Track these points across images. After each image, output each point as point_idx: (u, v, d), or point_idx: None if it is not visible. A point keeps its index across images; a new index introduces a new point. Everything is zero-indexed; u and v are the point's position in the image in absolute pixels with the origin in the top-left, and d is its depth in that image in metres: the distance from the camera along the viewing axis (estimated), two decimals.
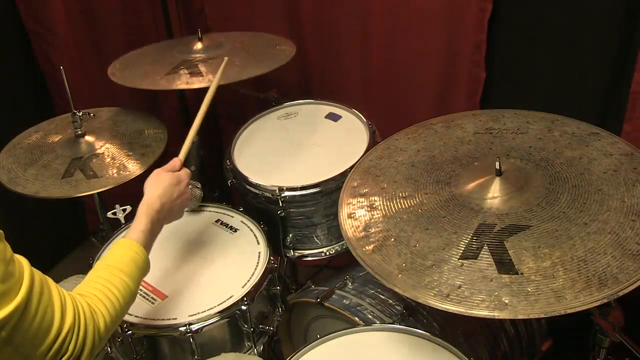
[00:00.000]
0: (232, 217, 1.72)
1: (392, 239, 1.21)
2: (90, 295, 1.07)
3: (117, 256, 1.18)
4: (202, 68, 1.82)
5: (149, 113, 1.93)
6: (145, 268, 1.21)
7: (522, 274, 1.08)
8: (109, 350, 1.54)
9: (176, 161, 1.42)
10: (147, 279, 1.52)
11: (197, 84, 1.74)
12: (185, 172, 1.41)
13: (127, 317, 1.43)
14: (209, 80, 1.74)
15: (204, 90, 1.55)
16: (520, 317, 1.02)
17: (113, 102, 2.00)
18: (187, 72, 1.80)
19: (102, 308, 1.07)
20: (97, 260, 1.53)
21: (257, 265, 1.54)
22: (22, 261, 0.94)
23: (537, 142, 1.39)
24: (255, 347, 1.53)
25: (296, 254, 1.77)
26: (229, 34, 2.08)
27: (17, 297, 0.88)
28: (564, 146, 1.36)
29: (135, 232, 1.23)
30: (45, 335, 0.94)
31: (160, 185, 1.32)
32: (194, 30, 2.08)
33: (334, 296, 1.59)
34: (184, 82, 1.76)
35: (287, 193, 1.65)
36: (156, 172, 1.37)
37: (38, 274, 0.95)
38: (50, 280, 0.98)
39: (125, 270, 1.15)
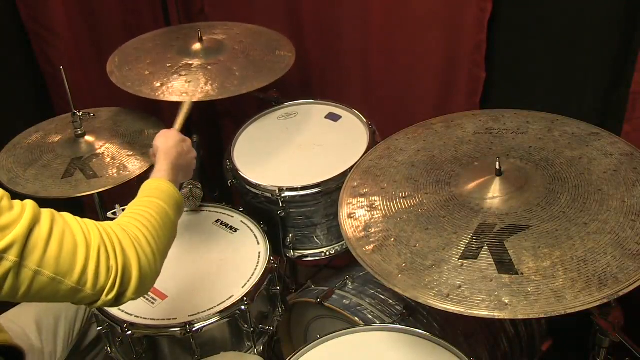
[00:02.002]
0: (232, 217, 1.72)
1: (392, 239, 1.21)
2: (118, 220, 1.06)
3: (144, 191, 1.16)
4: (200, 77, 1.81)
5: (149, 113, 1.93)
6: (177, 198, 1.18)
7: (522, 274, 1.08)
8: (109, 350, 1.54)
9: (173, 129, 1.44)
10: None
11: (198, 95, 1.74)
12: (183, 136, 1.41)
13: (127, 317, 1.43)
14: (207, 92, 1.74)
15: None
16: (520, 317, 1.02)
17: (113, 102, 2.00)
18: (184, 79, 1.80)
19: (134, 223, 1.04)
20: None
21: (257, 265, 1.54)
22: (27, 200, 0.95)
23: (537, 142, 1.39)
24: (255, 347, 1.53)
25: (296, 254, 1.77)
26: (229, 30, 2.07)
27: (17, 227, 0.89)
28: (564, 146, 1.36)
29: (158, 173, 1.23)
30: (73, 256, 0.93)
31: (171, 138, 1.34)
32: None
33: (334, 296, 1.59)
34: (181, 92, 1.76)
35: (287, 193, 1.65)
36: (164, 131, 1.39)
37: (49, 210, 0.96)
38: (66, 213, 0.98)
39: (154, 195, 1.14)
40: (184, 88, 1.76)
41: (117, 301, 0.99)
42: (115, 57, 1.96)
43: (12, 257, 0.88)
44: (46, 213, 0.95)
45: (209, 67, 1.84)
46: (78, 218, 0.99)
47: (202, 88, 1.76)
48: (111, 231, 1.00)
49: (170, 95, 1.75)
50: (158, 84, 1.79)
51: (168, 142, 1.33)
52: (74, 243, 0.94)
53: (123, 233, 1.01)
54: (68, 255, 0.93)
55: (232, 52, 1.93)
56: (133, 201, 1.14)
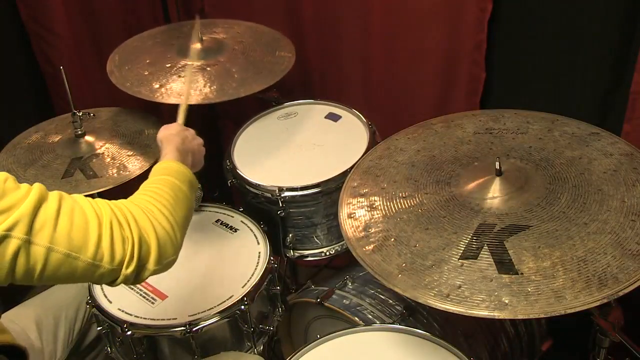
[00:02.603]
0: (232, 217, 1.72)
1: (392, 239, 1.21)
2: (135, 197, 1.05)
3: (154, 172, 1.15)
4: (199, 79, 1.80)
5: (149, 113, 1.93)
6: (191, 177, 1.16)
7: (522, 274, 1.08)
8: (109, 350, 1.54)
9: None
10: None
11: (195, 98, 1.73)
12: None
13: (127, 317, 1.43)
14: (205, 95, 1.74)
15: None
16: (520, 317, 1.03)
17: (113, 102, 2.00)
18: (184, 81, 1.79)
19: (145, 198, 1.03)
20: None
21: (257, 265, 1.55)
22: (36, 184, 0.94)
23: (537, 142, 1.39)
24: (255, 347, 1.53)
25: (296, 254, 1.77)
26: (229, 28, 2.06)
27: (22, 206, 0.88)
28: (564, 146, 1.36)
29: (167, 156, 1.20)
30: (85, 230, 0.92)
31: (172, 127, 1.32)
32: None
33: (334, 296, 1.59)
34: (179, 94, 1.76)
35: (287, 193, 1.65)
36: (165, 125, 1.35)
37: (57, 191, 0.95)
38: (75, 194, 0.97)
39: (167, 174, 1.12)
40: (182, 90, 1.76)
41: (139, 275, 0.97)
42: (116, 55, 1.96)
43: (19, 234, 0.87)
44: (54, 193, 0.94)
45: (207, 69, 1.84)
46: (88, 198, 0.98)
47: (201, 90, 1.76)
48: (122, 206, 0.99)
49: (169, 97, 1.75)
50: (157, 85, 1.79)
51: (169, 131, 1.30)
52: (85, 218, 0.93)
53: (134, 206, 1.00)
54: (80, 230, 0.92)
55: (232, 52, 1.93)
56: (143, 183, 1.13)
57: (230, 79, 1.80)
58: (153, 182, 1.11)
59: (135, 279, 0.98)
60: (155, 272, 0.99)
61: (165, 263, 1.00)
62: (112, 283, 0.98)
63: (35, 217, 0.89)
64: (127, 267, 0.95)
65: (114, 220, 0.95)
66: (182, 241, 1.06)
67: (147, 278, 0.99)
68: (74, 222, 0.92)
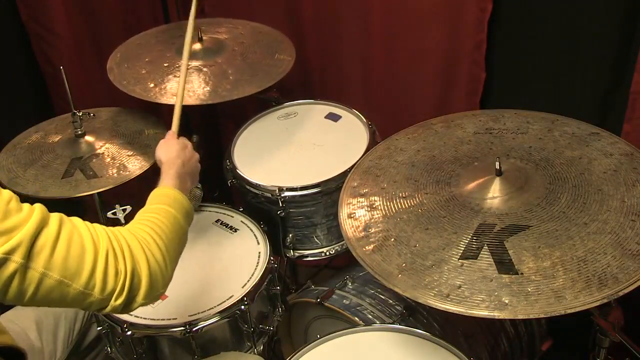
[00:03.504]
0: (232, 217, 1.72)
1: (392, 239, 1.21)
2: (127, 226, 1.05)
3: (152, 199, 1.15)
4: (194, 80, 1.80)
5: (149, 113, 1.93)
6: (188, 207, 1.17)
7: (522, 274, 1.08)
8: (109, 350, 1.54)
9: (171, 133, 1.41)
10: None
11: (188, 100, 1.72)
12: (184, 138, 1.39)
13: (127, 317, 1.43)
14: (198, 96, 1.73)
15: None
16: (520, 317, 1.03)
17: (113, 102, 2.00)
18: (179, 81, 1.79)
19: (144, 229, 1.03)
20: None
21: (257, 265, 1.55)
22: (37, 204, 0.94)
23: (537, 142, 1.39)
24: (255, 347, 1.53)
25: (296, 254, 1.77)
26: (233, 28, 2.06)
27: (20, 233, 0.88)
28: (564, 146, 1.36)
29: (165, 181, 1.21)
30: (81, 258, 0.93)
31: (172, 147, 1.31)
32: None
33: (334, 296, 1.59)
34: (173, 94, 1.75)
35: (287, 193, 1.65)
36: (163, 141, 1.35)
37: (58, 214, 0.95)
38: (75, 217, 0.98)
39: (163, 202, 1.13)
40: (175, 91, 1.76)
41: (127, 307, 0.98)
42: (118, 52, 1.96)
43: (18, 258, 0.88)
44: (55, 216, 0.95)
45: (204, 69, 1.84)
46: (87, 222, 0.99)
47: (195, 92, 1.76)
48: (120, 235, 0.99)
49: (162, 97, 1.75)
50: (151, 85, 1.79)
51: (170, 153, 1.30)
52: (82, 246, 0.94)
53: (132, 237, 1.00)
54: (76, 258, 0.93)
55: (231, 53, 1.92)
56: (140, 210, 1.13)
57: (225, 80, 1.80)
58: (152, 211, 1.11)
59: (123, 309, 0.99)
60: (143, 305, 1.00)
61: (154, 296, 1.01)
62: (99, 311, 0.99)
63: (35, 241, 0.90)
64: (116, 299, 0.96)
65: (110, 250, 0.96)
66: (172, 274, 1.06)
67: (135, 310, 1.00)
68: (71, 248, 0.93)
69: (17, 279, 0.88)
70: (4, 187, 1.31)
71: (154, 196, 1.16)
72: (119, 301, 0.96)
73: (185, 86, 1.51)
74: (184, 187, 1.23)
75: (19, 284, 0.89)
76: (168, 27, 2.15)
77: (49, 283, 0.91)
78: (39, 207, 0.94)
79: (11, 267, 0.88)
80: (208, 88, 1.77)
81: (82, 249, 0.94)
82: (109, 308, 0.97)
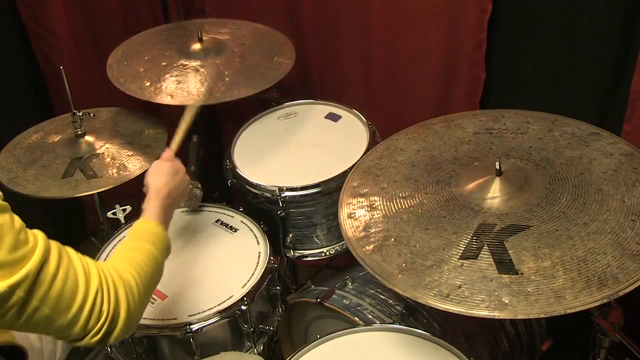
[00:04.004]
0: (232, 217, 1.71)
1: (392, 239, 1.21)
2: (111, 262, 1.08)
3: (135, 231, 1.19)
4: (191, 79, 1.80)
5: (149, 113, 1.93)
6: (166, 242, 1.21)
7: (522, 274, 1.08)
8: (109, 350, 1.54)
9: (168, 152, 1.42)
10: None
11: (182, 99, 1.72)
12: (178, 162, 1.41)
13: None
14: (192, 98, 1.73)
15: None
16: (520, 317, 1.03)
17: (113, 102, 2.00)
18: (175, 80, 1.79)
19: (128, 269, 1.07)
20: (98, 258, 1.55)
21: (257, 265, 1.54)
22: (37, 232, 0.97)
23: (537, 142, 1.39)
24: (255, 347, 1.53)
25: (296, 254, 1.77)
26: (237, 29, 2.06)
27: (28, 265, 0.91)
28: (564, 146, 1.36)
29: (149, 214, 1.24)
30: (73, 296, 0.96)
31: (163, 174, 1.33)
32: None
33: (334, 296, 1.59)
34: (169, 94, 1.75)
35: (287, 193, 1.65)
36: (156, 164, 1.37)
37: (55, 243, 0.98)
38: (70, 249, 1.00)
39: (145, 239, 1.17)
40: (171, 90, 1.76)
41: (99, 344, 1.02)
42: (119, 50, 1.96)
43: (20, 292, 0.91)
44: (54, 249, 0.97)
45: (201, 70, 1.84)
46: (80, 256, 1.02)
47: (189, 92, 1.75)
48: (109, 276, 1.02)
49: (157, 97, 1.75)
50: (147, 84, 1.79)
51: (159, 180, 1.31)
52: (75, 283, 0.97)
53: (119, 280, 1.04)
54: (68, 295, 0.96)
55: (230, 54, 1.92)
56: (126, 241, 1.18)
57: (220, 82, 1.80)
58: (136, 250, 1.14)
59: (96, 345, 1.03)
60: (113, 343, 1.06)
61: (126, 335, 1.05)
62: (72, 342, 1.02)
63: (37, 276, 0.92)
64: (92, 337, 1.00)
65: (99, 291, 0.99)
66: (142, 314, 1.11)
67: (100, 345, 1.03)
68: (65, 286, 0.96)
69: (14, 310, 0.91)
70: (4, 187, 1.31)
71: (138, 230, 1.20)
72: (95, 339, 1.01)
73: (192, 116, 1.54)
74: (167, 218, 1.27)
75: (14, 315, 0.92)
76: (169, 27, 2.15)
77: (39, 316, 0.94)
78: (41, 239, 0.96)
79: (13, 300, 0.90)
80: (202, 89, 1.76)
81: (75, 287, 0.97)
82: (82, 342, 1.01)
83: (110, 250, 1.58)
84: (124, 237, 1.21)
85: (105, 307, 0.99)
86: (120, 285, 1.03)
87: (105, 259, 1.54)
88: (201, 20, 2.16)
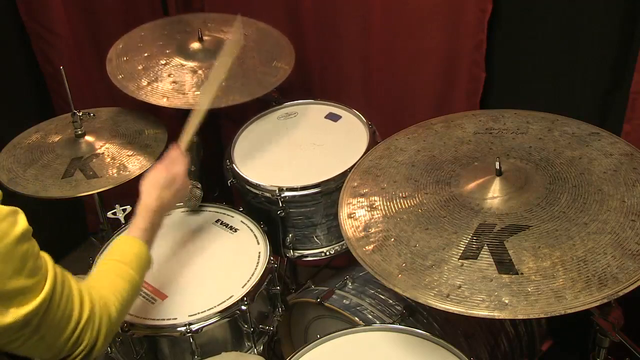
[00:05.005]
0: (232, 217, 1.71)
1: (392, 239, 1.21)
2: (99, 287, 1.11)
3: (121, 252, 1.22)
4: (186, 82, 1.80)
5: (149, 113, 1.93)
6: (148, 263, 1.25)
7: (522, 274, 1.08)
8: (109, 350, 1.54)
9: (176, 148, 1.42)
10: (147, 279, 1.52)
11: (176, 102, 1.73)
12: (181, 164, 1.40)
13: (127, 317, 1.43)
14: (186, 101, 1.73)
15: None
16: (520, 317, 1.03)
17: (113, 102, 2.00)
18: (171, 81, 1.79)
19: (112, 299, 1.11)
20: (98, 258, 1.55)
21: (257, 265, 1.54)
22: (45, 256, 0.98)
23: (537, 142, 1.39)
24: (255, 347, 1.53)
25: (296, 254, 1.77)
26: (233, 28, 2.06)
27: (44, 289, 0.94)
28: (564, 146, 1.36)
29: (137, 231, 1.26)
30: (67, 324, 0.99)
31: (155, 188, 1.33)
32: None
33: (334, 296, 1.59)
34: (163, 95, 1.75)
35: (287, 193, 1.65)
36: (153, 173, 1.37)
37: (58, 267, 1.00)
38: (67, 273, 1.03)
39: (130, 264, 1.19)
40: (166, 91, 1.76)
41: None
42: (120, 43, 1.96)
43: (35, 320, 0.93)
44: (59, 275, 0.99)
45: (199, 72, 1.84)
46: (75, 284, 1.04)
47: (184, 94, 1.75)
48: (97, 306, 1.06)
49: (152, 97, 1.75)
50: (144, 83, 1.78)
51: (151, 194, 1.32)
52: (71, 313, 1.00)
53: (105, 310, 1.07)
54: (64, 324, 0.99)
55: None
56: (110, 261, 1.20)
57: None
58: (120, 277, 1.17)
59: None
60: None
61: (100, 354, 1.09)
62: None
63: (49, 304, 0.95)
64: (73, 358, 1.04)
65: (87, 325, 1.03)
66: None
67: None
68: (64, 314, 0.99)
69: (25, 336, 0.94)
70: (4, 187, 1.31)
71: (120, 247, 1.24)
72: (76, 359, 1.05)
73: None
74: (154, 230, 1.30)
75: (23, 340, 0.94)
76: (172, 20, 2.13)
77: (37, 340, 0.96)
78: (50, 265, 0.98)
79: (28, 328, 0.93)
80: (198, 92, 1.76)
81: (69, 317, 1.00)
82: None
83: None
84: (109, 249, 1.25)
85: (88, 335, 1.03)
86: (104, 315, 1.07)
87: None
88: (205, 15, 2.14)
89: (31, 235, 0.93)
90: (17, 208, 0.92)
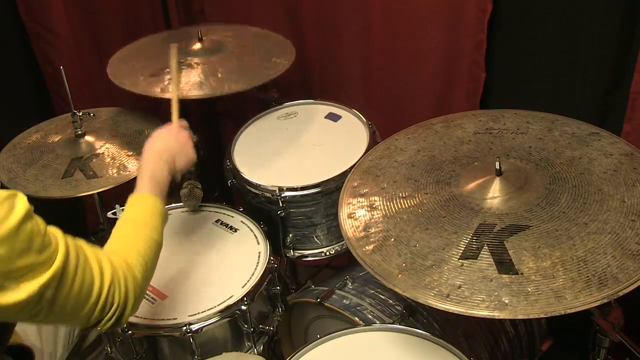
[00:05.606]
0: (232, 217, 1.71)
1: (392, 239, 1.21)
2: (119, 251, 1.12)
3: (135, 212, 1.23)
4: (184, 75, 1.80)
5: (149, 113, 1.93)
6: (164, 217, 1.26)
7: (522, 274, 1.08)
8: (109, 350, 1.54)
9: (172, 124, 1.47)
10: None
11: (167, 93, 1.72)
12: (179, 124, 1.46)
13: None
14: (181, 93, 1.73)
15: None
16: (520, 317, 1.02)
17: (113, 102, 2.00)
18: (170, 77, 1.80)
19: (134, 260, 1.12)
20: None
21: (257, 265, 1.54)
22: (54, 230, 1.00)
23: (537, 142, 1.39)
24: (255, 347, 1.53)
25: (296, 254, 1.77)
26: (234, 32, 2.07)
27: (55, 262, 0.95)
28: (564, 146, 1.36)
29: (144, 187, 1.27)
30: (89, 292, 1.01)
31: (155, 141, 1.37)
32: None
33: (334, 296, 1.59)
34: (162, 88, 1.76)
35: (287, 193, 1.65)
36: (149, 140, 1.39)
37: (72, 239, 1.01)
38: (83, 243, 1.04)
39: (146, 222, 1.21)
40: (162, 84, 1.77)
41: (113, 327, 1.09)
42: (121, 52, 1.97)
43: (50, 291, 0.94)
44: (72, 246, 1.00)
45: (195, 66, 1.84)
46: (92, 249, 1.05)
47: (180, 86, 1.75)
48: (119, 268, 1.08)
49: (147, 88, 1.75)
50: (141, 78, 1.79)
51: (153, 145, 1.35)
52: (92, 278, 1.02)
53: (129, 272, 1.09)
54: (86, 290, 1.01)
55: (228, 54, 1.92)
56: (125, 224, 1.20)
57: (212, 77, 1.79)
58: (139, 237, 1.18)
59: (109, 329, 1.10)
60: (118, 327, 1.15)
61: (131, 315, 1.12)
62: (88, 330, 1.11)
63: (62, 275, 0.96)
64: (105, 324, 1.07)
65: (112, 285, 1.05)
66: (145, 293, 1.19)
67: (113, 329, 1.13)
68: (84, 281, 1.00)
69: (45, 309, 0.95)
70: (4, 187, 1.31)
71: (134, 207, 1.23)
72: (108, 324, 1.08)
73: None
74: (161, 186, 1.29)
75: (44, 313, 0.96)
76: (175, 33, 2.15)
77: (65, 311, 0.99)
78: (61, 238, 0.99)
79: (44, 300, 0.94)
80: (191, 82, 1.76)
81: (91, 281, 1.02)
82: (97, 328, 1.08)
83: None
84: (124, 212, 1.25)
85: (116, 298, 1.05)
86: (129, 277, 1.08)
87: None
88: (208, 27, 2.16)
89: (33, 214, 0.94)
90: (15, 191, 0.93)
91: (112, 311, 1.05)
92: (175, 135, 1.41)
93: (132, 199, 1.25)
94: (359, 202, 1.33)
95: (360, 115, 1.86)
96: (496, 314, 1.03)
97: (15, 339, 1.27)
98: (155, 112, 1.97)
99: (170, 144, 1.38)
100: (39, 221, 0.95)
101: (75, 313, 1.01)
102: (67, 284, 0.97)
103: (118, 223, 1.20)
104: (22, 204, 0.92)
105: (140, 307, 1.44)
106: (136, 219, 1.20)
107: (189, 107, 2.34)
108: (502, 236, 1.15)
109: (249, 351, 1.52)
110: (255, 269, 1.53)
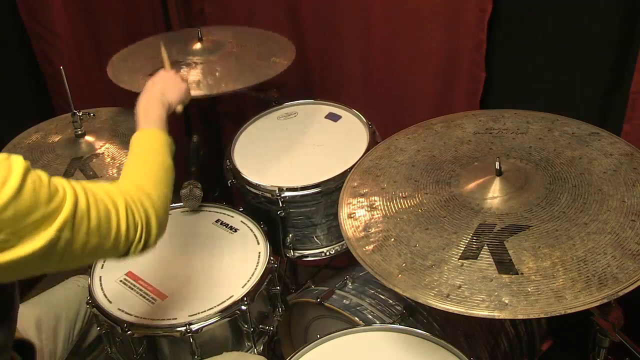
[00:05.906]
0: (232, 217, 1.71)
1: (392, 239, 1.21)
2: (127, 179, 1.16)
3: (140, 145, 1.25)
4: (183, 71, 1.80)
5: None
6: (170, 145, 1.27)
7: (522, 274, 1.08)
8: (109, 350, 1.54)
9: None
10: (147, 279, 1.53)
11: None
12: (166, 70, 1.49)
13: (127, 317, 1.43)
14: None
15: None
16: (520, 317, 1.02)
17: (113, 102, 2.00)
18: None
19: (144, 181, 1.15)
20: None
21: (257, 265, 1.54)
22: (60, 179, 1.01)
23: (537, 142, 1.39)
24: (255, 347, 1.53)
25: (296, 254, 1.77)
26: (234, 32, 2.07)
27: (65, 206, 0.96)
28: (564, 146, 1.36)
29: (145, 123, 1.29)
30: (108, 221, 1.03)
31: (147, 88, 1.39)
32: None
33: (334, 296, 1.59)
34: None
35: (287, 193, 1.65)
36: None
37: (77, 182, 1.02)
38: (86, 183, 1.04)
39: (153, 149, 1.24)
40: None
41: (142, 251, 1.11)
42: (125, 50, 1.97)
43: (67, 232, 0.95)
44: (78, 188, 1.01)
45: (194, 65, 1.84)
46: (98, 185, 1.07)
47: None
48: (128, 191, 1.10)
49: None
50: (141, 78, 1.79)
51: (148, 89, 1.38)
52: (106, 210, 1.03)
53: (140, 192, 1.11)
54: (105, 220, 1.02)
55: (228, 54, 1.92)
56: (131, 157, 1.23)
57: (209, 76, 1.80)
58: (149, 162, 1.21)
59: (140, 253, 1.11)
60: (153, 246, 1.14)
61: (161, 236, 1.14)
62: (119, 258, 1.10)
63: (75, 215, 0.97)
64: (136, 246, 1.09)
65: (128, 208, 1.07)
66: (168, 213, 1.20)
67: (145, 251, 1.12)
68: (100, 214, 1.02)
69: (68, 250, 0.96)
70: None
71: (139, 144, 1.25)
72: (139, 247, 1.09)
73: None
74: (156, 121, 1.31)
75: (69, 254, 0.97)
76: (177, 33, 2.14)
77: (90, 247, 1.00)
78: (66, 184, 1.00)
79: (62, 241, 0.95)
80: (188, 80, 1.76)
81: (106, 211, 1.03)
82: (130, 254, 1.09)
83: None
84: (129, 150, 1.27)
85: (137, 218, 1.08)
86: (143, 197, 1.10)
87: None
88: (209, 28, 2.16)
89: (30, 168, 0.94)
90: (7, 153, 0.93)
91: (138, 233, 1.07)
92: (161, 75, 1.44)
93: (135, 137, 1.27)
94: (359, 202, 1.33)
95: (360, 115, 1.86)
96: (496, 314, 1.03)
97: (16, 335, 1.27)
98: None
99: (155, 81, 1.41)
100: (39, 173, 0.96)
101: (102, 245, 1.02)
102: (85, 221, 0.98)
103: (127, 159, 1.23)
104: (18, 162, 0.92)
105: (140, 307, 1.45)
106: (142, 150, 1.23)
107: (189, 107, 2.35)
108: (502, 236, 1.15)
109: (249, 351, 1.53)
110: (255, 269, 1.53)
